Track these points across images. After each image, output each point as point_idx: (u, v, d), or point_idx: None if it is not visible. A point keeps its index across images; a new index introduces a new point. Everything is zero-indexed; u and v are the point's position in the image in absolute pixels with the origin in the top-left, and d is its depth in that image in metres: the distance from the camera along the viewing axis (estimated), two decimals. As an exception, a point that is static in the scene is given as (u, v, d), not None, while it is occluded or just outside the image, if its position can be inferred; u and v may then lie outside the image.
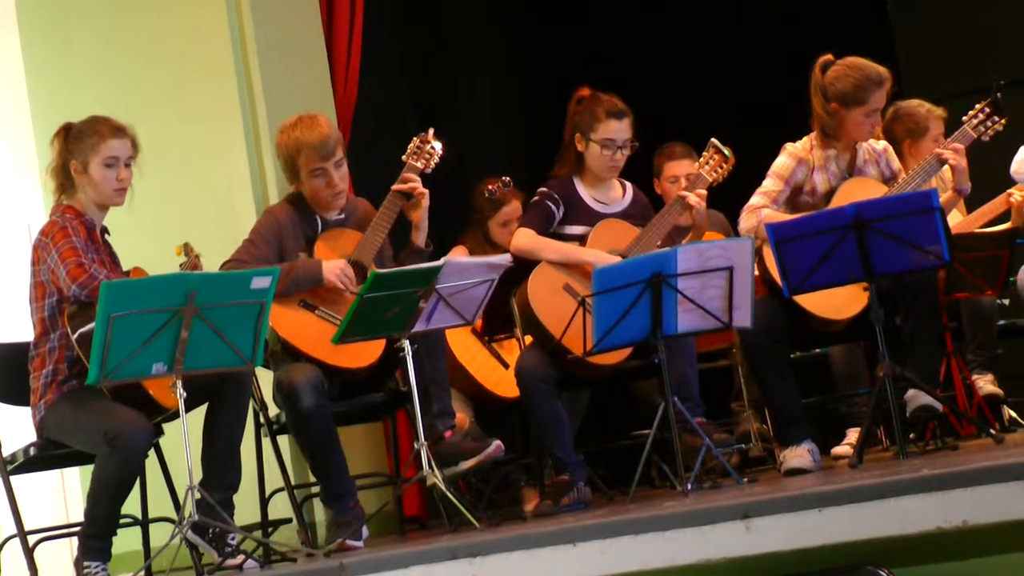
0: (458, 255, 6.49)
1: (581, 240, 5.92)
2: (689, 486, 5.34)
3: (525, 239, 5.91)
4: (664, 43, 8.76)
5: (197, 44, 6.94)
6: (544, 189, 6.01)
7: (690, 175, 6.23)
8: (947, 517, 4.11)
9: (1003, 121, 6.00)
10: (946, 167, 5.92)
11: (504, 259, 5.53)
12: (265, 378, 5.78)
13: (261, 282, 5.04)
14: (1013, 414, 6.76)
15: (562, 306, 5.70)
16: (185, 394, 5.01)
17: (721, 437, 5.76)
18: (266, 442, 5.94)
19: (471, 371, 6.43)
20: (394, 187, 5.79)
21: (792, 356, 6.01)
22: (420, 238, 5.82)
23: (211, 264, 5.58)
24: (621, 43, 8.83)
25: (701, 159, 6.12)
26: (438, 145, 5.88)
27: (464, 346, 6.43)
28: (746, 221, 5.91)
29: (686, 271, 5.36)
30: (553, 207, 5.96)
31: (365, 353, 5.61)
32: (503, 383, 6.39)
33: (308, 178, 5.78)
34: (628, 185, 6.14)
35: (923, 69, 8.26)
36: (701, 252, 5.41)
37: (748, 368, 6.36)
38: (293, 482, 6.00)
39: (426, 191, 5.79)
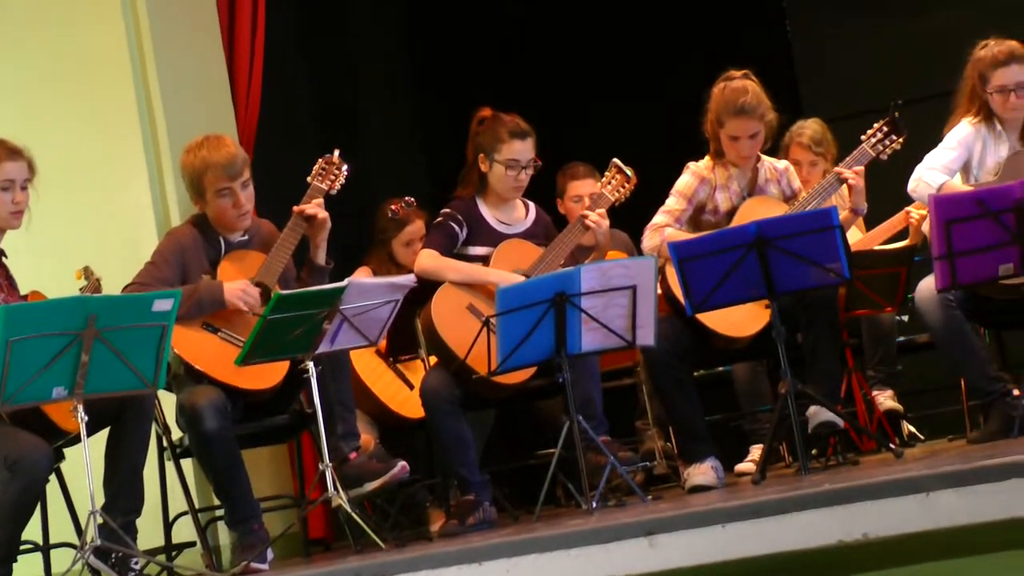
0: (361, 276, 6.48)
1: (484, 260, 5.92)
2: (594, 504, 5.35)
3: (428, 260, 5.90)
4: (566, 62, 8.79)
5: (96, 65, 6.88)
6: (447, 210, 6.00)
7: (593, 195, 6.26)
8: (848, 531, 4.16)
9: (901, 140, 6.05)
10: (844, 186, 6.00)
11: (408, 279, 5.53)
12: (168, 401, 5.73)
13: (163, 304, 5.01)
14: (912, 429, 6.85)
15: (466, 326, 5.69)
16: (86, 418, 4.97)
17: (625, 455, 5.79)
18: (169, 465, 5.88)
19: (376, 392, 6.41)
20: (296, 208, 5.76)
21: (695, 374, 6.05)
22: (320, 256, 5.79)
23: (112, 288, 5.53)
24: (523, 62, 8.85)
25: (603, 179, 6.14)
26: (344, 167, 5.87)
27: (369, 367, 6.40)
28: (649, 240, 5.94)
29: (589, 290, 5.39)
30: (456, 228, 5.95)
31: (269, 375, 5.57)
32: (408, 404, 6.37)
33: (214, 198, 5.73)
34: (531, 205, 6.15)
35: (822, 88, 8.36)
36: (604, 271, 5.44)
37: (652, 386, 6.38)
38: (197, 505, 5.95)
39: (327, 214, 5.77)
